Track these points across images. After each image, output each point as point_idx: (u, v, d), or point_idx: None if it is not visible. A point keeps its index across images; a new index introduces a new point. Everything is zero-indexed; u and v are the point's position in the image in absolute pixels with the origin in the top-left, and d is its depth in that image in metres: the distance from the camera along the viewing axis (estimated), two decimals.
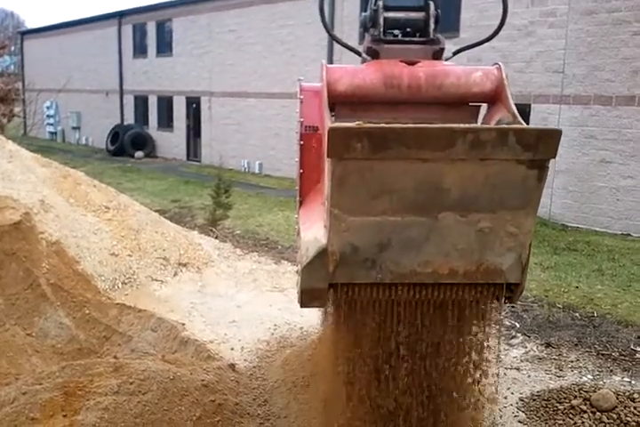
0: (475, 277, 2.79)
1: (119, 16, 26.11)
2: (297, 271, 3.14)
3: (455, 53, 3.49)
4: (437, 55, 3.29)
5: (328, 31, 3.59)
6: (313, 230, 2.86)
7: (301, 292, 2.92)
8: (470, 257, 2.73)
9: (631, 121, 11.26)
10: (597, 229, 11.57)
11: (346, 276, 2.76)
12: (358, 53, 3.44)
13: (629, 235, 11.15)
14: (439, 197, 2.58)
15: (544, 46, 12.31)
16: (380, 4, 3.24)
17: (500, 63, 3.21)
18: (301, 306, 3.06)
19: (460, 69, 3.23)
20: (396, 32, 3.29)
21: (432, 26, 3.26)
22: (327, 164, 2.56)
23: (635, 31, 11.05)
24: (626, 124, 11.32)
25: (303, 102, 3.25)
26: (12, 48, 34.87)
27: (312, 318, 5.62)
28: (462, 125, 2.63)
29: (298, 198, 3.34)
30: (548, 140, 2.49)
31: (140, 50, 25.45)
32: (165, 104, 24.13)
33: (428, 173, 2.52)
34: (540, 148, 2.48)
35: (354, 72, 3.21)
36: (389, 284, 2.82)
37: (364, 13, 3.40)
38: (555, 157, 2.54)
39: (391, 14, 3.26)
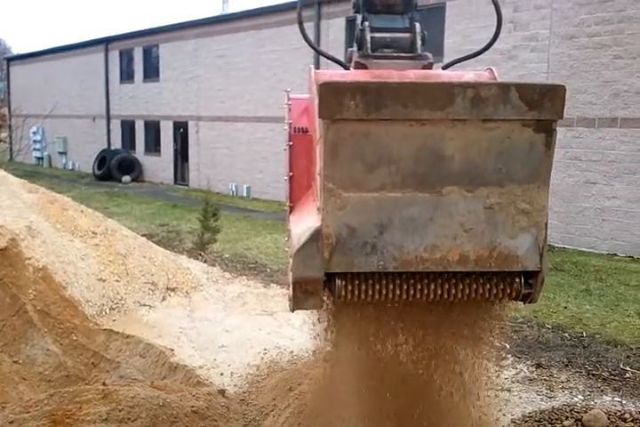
0: (488, 265, 2.53)
1: (106, 42, 26.33)
2: (287, 266, 2.83)
3: (445, 67, 3.48)
4: (426, 69, 3.23)
5: (309, 43, 3.50)
6: (305, 223, 2.63)
7: (294, 284, 2.57)
8: (481, 240, 2.49)
9: (614, 142, 11.42)
10: (584, 249, 11.65)
11: (344, 263, 2.48)
12: (344, 66, 3.35)
13: (615, 255, 11.24)
14: (442, 168, 2.40)
15: (527, 70, 12.51)
16: (367, 24, 3.25)
17: (493, 67, 3.10)
18: (293, 308, 2.68)
19: (451, 72, 3.21)
20: (386, 50, 3.27)
21: (419, 42, 3.22)
22: (319, 129, 2.41)
23: (615, 55, 11.28)
24: (609, 146, 11.49)
25: (291, 110, 3.20)
26: None
27: (302, 341, 5.59)
28: (461, 81, 2.45)
29: (288, 204, 3.13)
30: (553, 97, 2.38)
31: (126, 75, 25.60)
32: (153, 129, 24.21)
33: (429, 137, 2.36)
34: (545, 105, 2.35)
35: (342, 74, 3.16)
36: (393, 276, 2.57)
37: (349, 49, 3.39)
38: (562, 118, 2.42)
39: (377, 35, 3.23)
